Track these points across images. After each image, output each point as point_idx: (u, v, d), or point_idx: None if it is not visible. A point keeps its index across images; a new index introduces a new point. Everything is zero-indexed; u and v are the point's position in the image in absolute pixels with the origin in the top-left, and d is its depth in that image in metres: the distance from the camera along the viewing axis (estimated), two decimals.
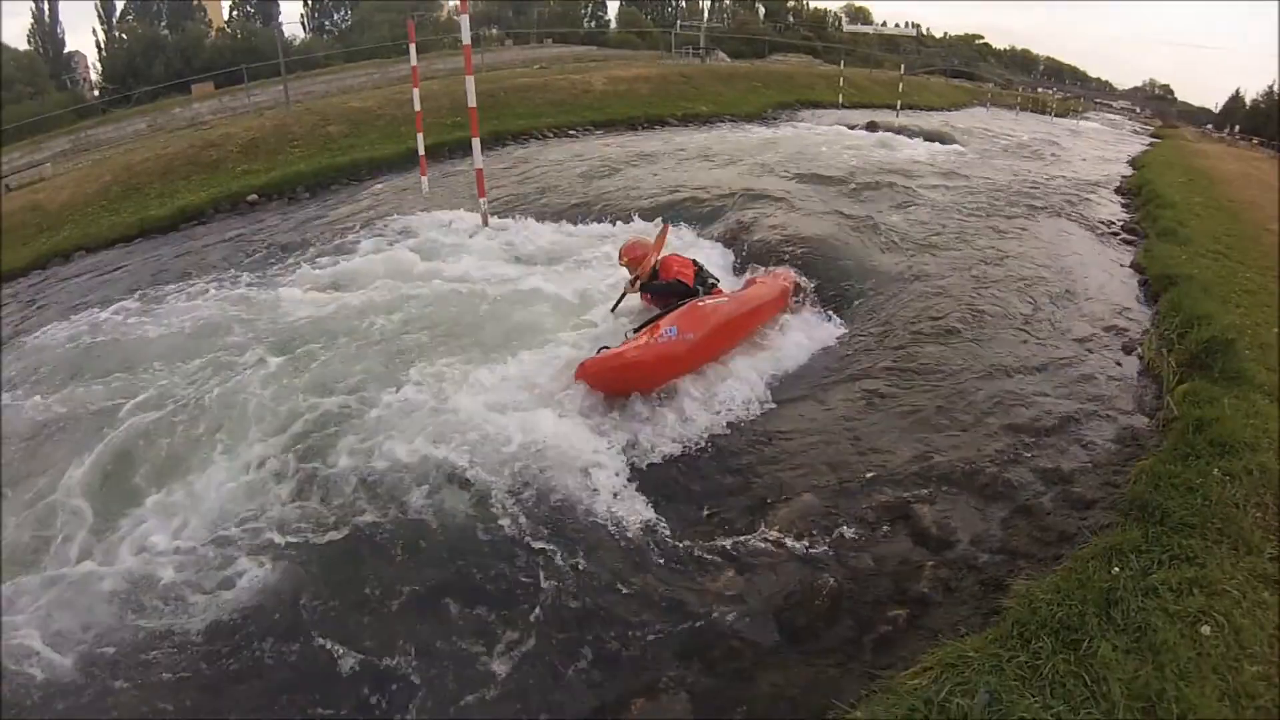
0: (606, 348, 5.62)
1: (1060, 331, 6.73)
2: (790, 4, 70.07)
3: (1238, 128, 54.62)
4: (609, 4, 62.41)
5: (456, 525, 3.98)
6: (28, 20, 47.59)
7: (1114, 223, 11.45)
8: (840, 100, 29.44)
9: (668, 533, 3.99)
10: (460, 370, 5.56)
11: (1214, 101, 77.04)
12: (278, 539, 3.93)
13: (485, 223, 9.54)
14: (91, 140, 23.62)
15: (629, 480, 4.45)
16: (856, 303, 7.25)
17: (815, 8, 71.38)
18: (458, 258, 8.36)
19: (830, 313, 7.03)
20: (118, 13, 47.37)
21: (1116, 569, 3.12)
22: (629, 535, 3.96)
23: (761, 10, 68.41)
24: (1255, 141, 44.69)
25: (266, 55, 32.07)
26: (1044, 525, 3.99)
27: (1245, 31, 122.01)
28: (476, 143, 9.37)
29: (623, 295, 6.65)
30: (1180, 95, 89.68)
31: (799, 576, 3.65)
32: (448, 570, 3.73)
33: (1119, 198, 14.12)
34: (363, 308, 6.85)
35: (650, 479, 4.51)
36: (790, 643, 3.31)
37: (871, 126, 22.86)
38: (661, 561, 3.79)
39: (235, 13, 52.35)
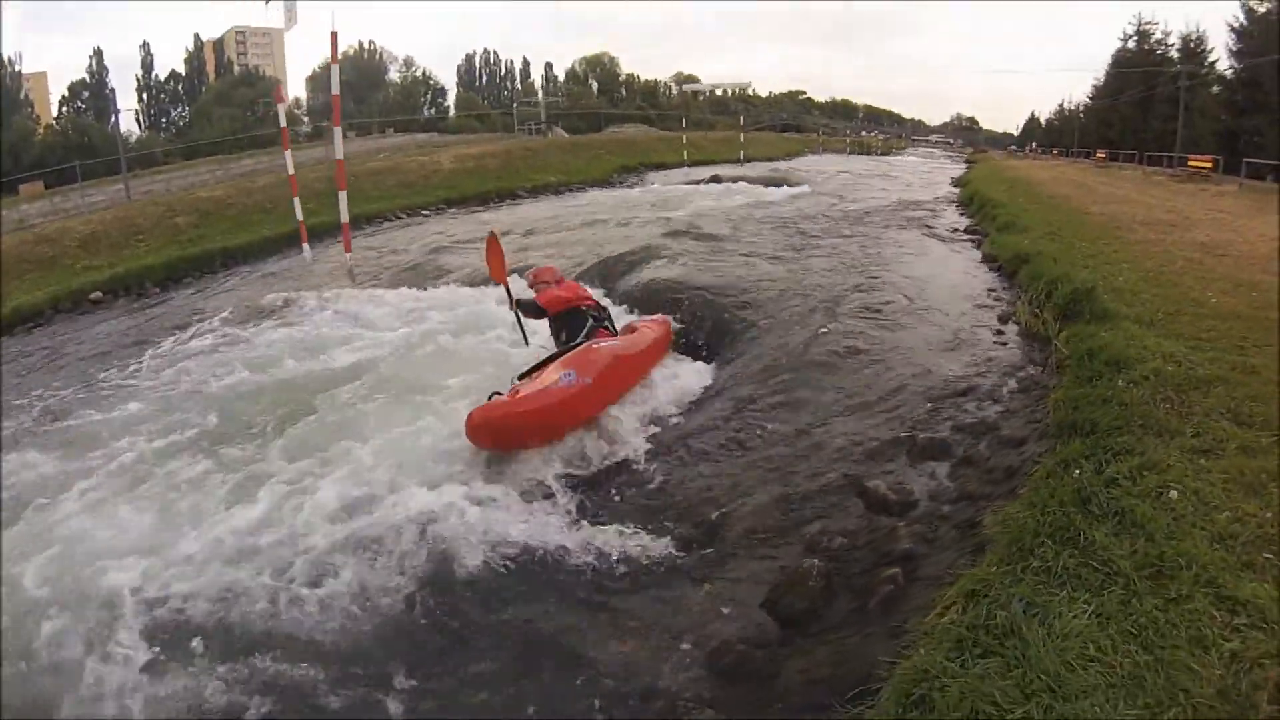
0: (499, 394, 5.05)
1: (942, 316, 7.08)
2: (622, 79, 73.01)
3: (1034, 144, 60.05)
4: (448, 91, 63.44)
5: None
6: None
7: (956, 228, 12.39)
8: (685, 159, 30.51)
9: (628, 563, 3.77)
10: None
11: (1014, 125, 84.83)
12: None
13: (351, 279, 9.40)
14: None
15: (571, 521, 4.17)
16: (748, 333, 7.18)
17: (646, 79, 74.67)
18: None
19: (714, 348, 7.03)
20: None
21: (1076, 472, 3.29)
22: (594, 571, 3.72)
23: (595, 86, 70.91)
24: (1055, 152, 49.21)
25: (101, 153, 30.49)
26: (989, 468, 4.10)
27: (1047, 56, 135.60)
28: (343, 196, 9.33)
29: (518, 317, 6.20)
30: (985, 124, 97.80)
31: (779, 569, 3.53)
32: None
33: (954, 208, 15.33)
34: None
35: (593, 514, 4.26)
36: (798, 630, 3.18)
37: (716, 179, 23.89)
38: (634, 590, 3.58)
39: (65, 109, 50.27)
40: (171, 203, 17.99)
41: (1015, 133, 78.78)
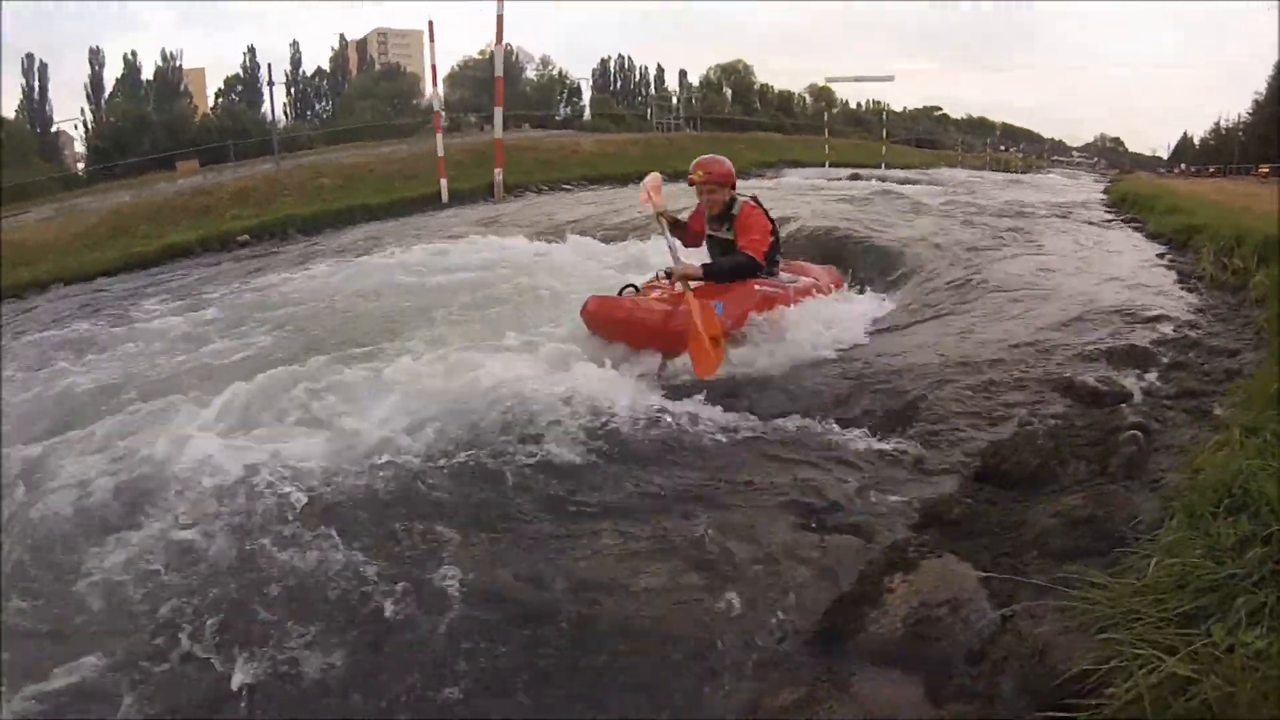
0: (633, 288, 5.08)
1: (1115, 268, 6.75)
2: (756, 88, 72.95)
3: (1184, 165, 56.93)
4: (583, 91, 64.68)
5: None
6: (19, 96, 49.07)
7: (1112, 220, 11.81)
8: (826, 162, 30.24)
9: (811, 440, 3.54)
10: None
11: (1165, 145, 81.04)
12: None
13: (498, 194, 9.89)
14: (75, 208, 23.26)
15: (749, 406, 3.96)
16: (920, 274, 6.91)
17: (781, 90, 74.41)
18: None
19: (886, 286, 6.79)
20: (106, 93, 49.70)
21: None
22: (775, 443, 3.52)
23: (729, 94, 71.06)
24: (1211, 171, 46.51)
25: (253, 136, 32.67)
26: (1206, 370, 3.88)
27: (1174, 86, 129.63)
28: (499, 112, 9.94)
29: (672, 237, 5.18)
30: (1132, 147, 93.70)
31: (995, 441, 3.27)
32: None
33: (1108, 210, 14.67)
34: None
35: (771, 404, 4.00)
36: (1031, 489, 2.94)
37: (856, 176, 23.55)
38: (823, 464, 3.32)
39: (220, 99, 54.30)
40: (318, 166, 19.25)
41: (1165, 155, 75.32)
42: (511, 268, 7.51)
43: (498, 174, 10.56)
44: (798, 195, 13.15)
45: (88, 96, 49.76)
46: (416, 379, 4.22)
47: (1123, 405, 3.47)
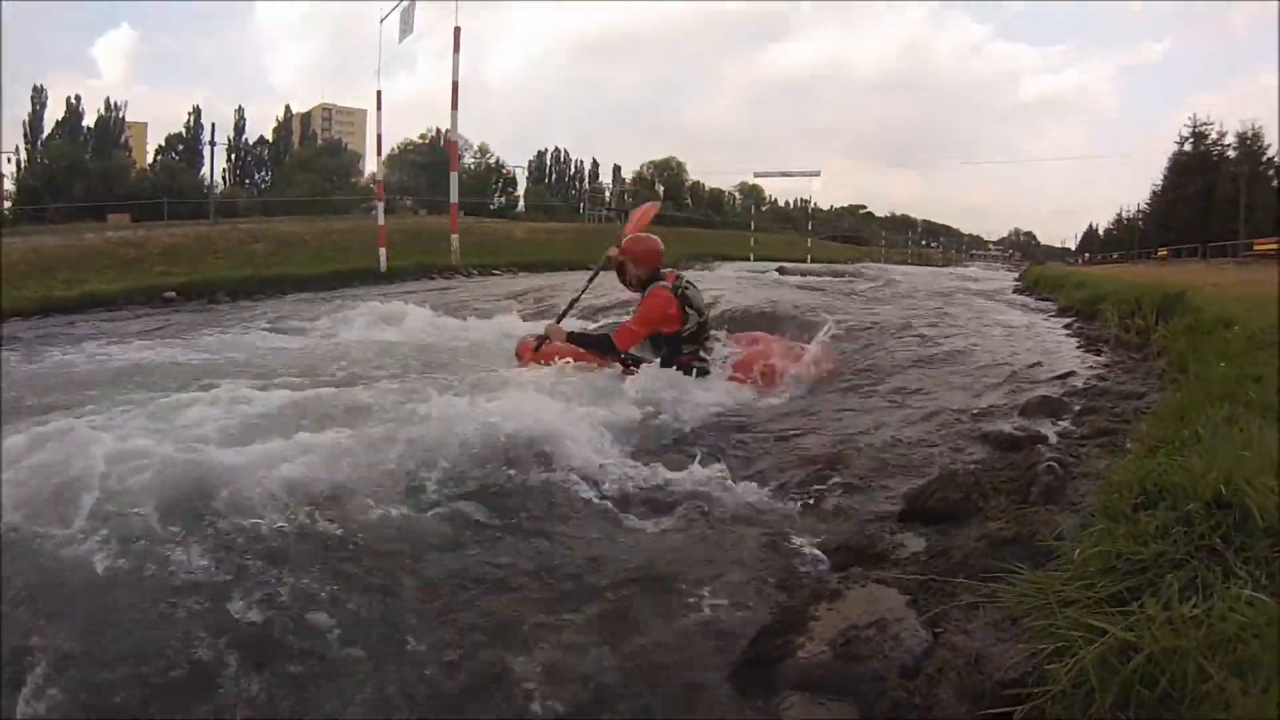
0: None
1: (1029, 335, 7.05)
2: (688, 184, 75.23)
3: (1088, 255, 60.37)
4: (518, 181, 65.84)
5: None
6: None
7: (1026, 303, 12.34)
8: (750, 256, 31.08)
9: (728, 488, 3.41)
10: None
11: (1074, 235, 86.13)
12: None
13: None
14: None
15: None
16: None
17: (712, 188, 76.93)
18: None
19: None
20: (45, 133, 48.78)
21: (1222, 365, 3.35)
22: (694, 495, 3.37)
23: (661, 190, 73.03)
24: (1115, 257, 49.19)
25: (187, 195, 32.33)
26: (1116, 412, 4.00)
27: (1083, 183, 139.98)
28: (454, 177, 10.03)
29: (595, 274, 5.91)
30: (1044, 239, 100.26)
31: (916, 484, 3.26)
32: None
33: (1021, 293, 15.35)
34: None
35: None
36: (954, 523, 2.93)
37: (781, 270, 24.14)
38: (742, 512, 3.24)
39: (160, 156, 53.60)
40: (252, 231, 19.05)
41: (1073, 245, 79.81)
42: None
43: (454, 239, 10.68)
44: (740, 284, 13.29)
45: (25, 134, 49.03)
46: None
47: (1039, 446, 3.50)
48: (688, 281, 5.25)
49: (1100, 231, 71.69)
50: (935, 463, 3.54)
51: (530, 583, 2.69)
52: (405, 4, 13.81)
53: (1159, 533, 1.82)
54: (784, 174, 36.24)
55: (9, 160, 47.30)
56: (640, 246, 5.22)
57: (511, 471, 3.42)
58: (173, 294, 13.19)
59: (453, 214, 12.69)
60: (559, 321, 5.33)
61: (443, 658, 2.28)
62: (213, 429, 3.72)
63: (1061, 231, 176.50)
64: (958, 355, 6.03)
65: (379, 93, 17.02)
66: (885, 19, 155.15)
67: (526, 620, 2.47)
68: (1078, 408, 4.19)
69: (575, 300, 5.89)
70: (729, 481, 3.47)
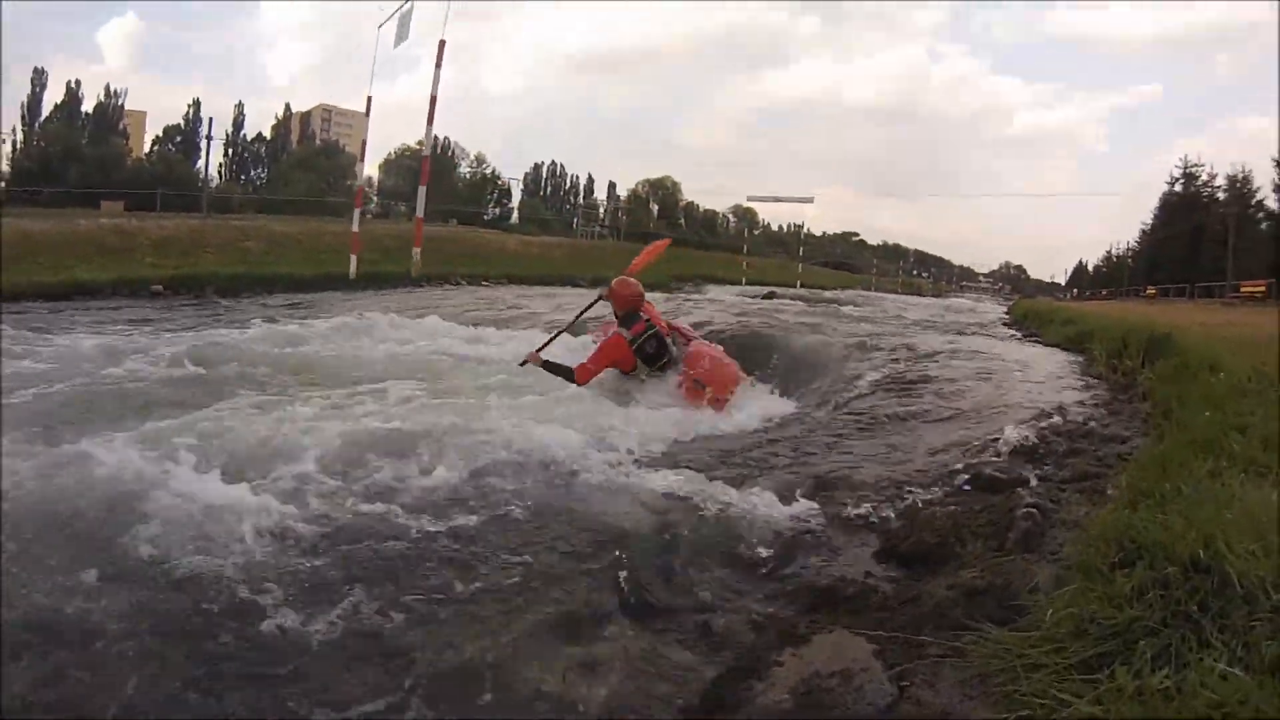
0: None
1: (1014, 370, 6.83)
2: (682, 204, 75.43)
3: (1075, 290, 60.68)
4: (513, 193, 65.70)
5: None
6: None
7: (1014, 335, 12.26)
8: (743, 280, 31.01)
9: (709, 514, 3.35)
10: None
11: (1063, 270, 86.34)
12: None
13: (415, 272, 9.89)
14: None
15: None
16: (820, 377, 6.98)
17: (707, 209, 77.13)
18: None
19: (788, 386, 6.71)
20: (43, 116, 48.41)
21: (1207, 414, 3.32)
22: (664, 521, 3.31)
23: (656, 209, 73.18)
24: (1104, 293, 49.23)
25: (183, 187, 32.14)
26: (1099, 455, 3.92)
27: (1072, 219, 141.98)
28: (422, 191, 9.99)
29: (584, 310, 6.70)
30: (1034, 273, 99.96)
31: (894, 521, 3.23)
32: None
33: (1009, 326, 15.27)
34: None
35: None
36: (928, 568, 2.85)
37: (772, 294, 24.00)
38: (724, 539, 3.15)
39: (157, 147, 53.40)
40: (245, 228, 19.15)
41: (1063, 280, 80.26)
42: None
43: (416, 253, 10.76)
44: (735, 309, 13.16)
45: (23, 116, 48.51)
46: None
47: (1019, 489, 3.40)
48: (654, 332, 5.94)
49: (1090, 268, 72.33)
50: (912, 501, 3.42)
51: (484, 610, 2.58)
52: (403, 10, 13.71)
53: (1134, 595, 1.75)
54: (777, 199, 36.13)
55: (4, 142, 47.14)
56: (622, 290, 6.02)
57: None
58: (159, 287, 13.09)
59: (418, 228, 12.69)
60: (539, 351, 5.87)
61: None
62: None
63: (1052, 266, 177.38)
64: (938, 388, 5.94)
65: (369, 99, 17.20)
66: (881, 50, 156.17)
67: (473, 650, 2.36)
68: (1060, 449, 4.09)
69: (560, 333, 6.43)
70: (699, 509, 3.37)
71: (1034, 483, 3.54)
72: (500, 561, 2.87)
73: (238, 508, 2.95)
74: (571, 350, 6.43)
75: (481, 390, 5.54)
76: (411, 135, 60.53)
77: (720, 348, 6.54)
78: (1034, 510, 2.98)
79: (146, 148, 54.05)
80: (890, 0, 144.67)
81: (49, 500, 2.94)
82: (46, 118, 48.93)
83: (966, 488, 3.56)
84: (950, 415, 5.07)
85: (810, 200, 36.72)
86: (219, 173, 56.02)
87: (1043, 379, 6.38)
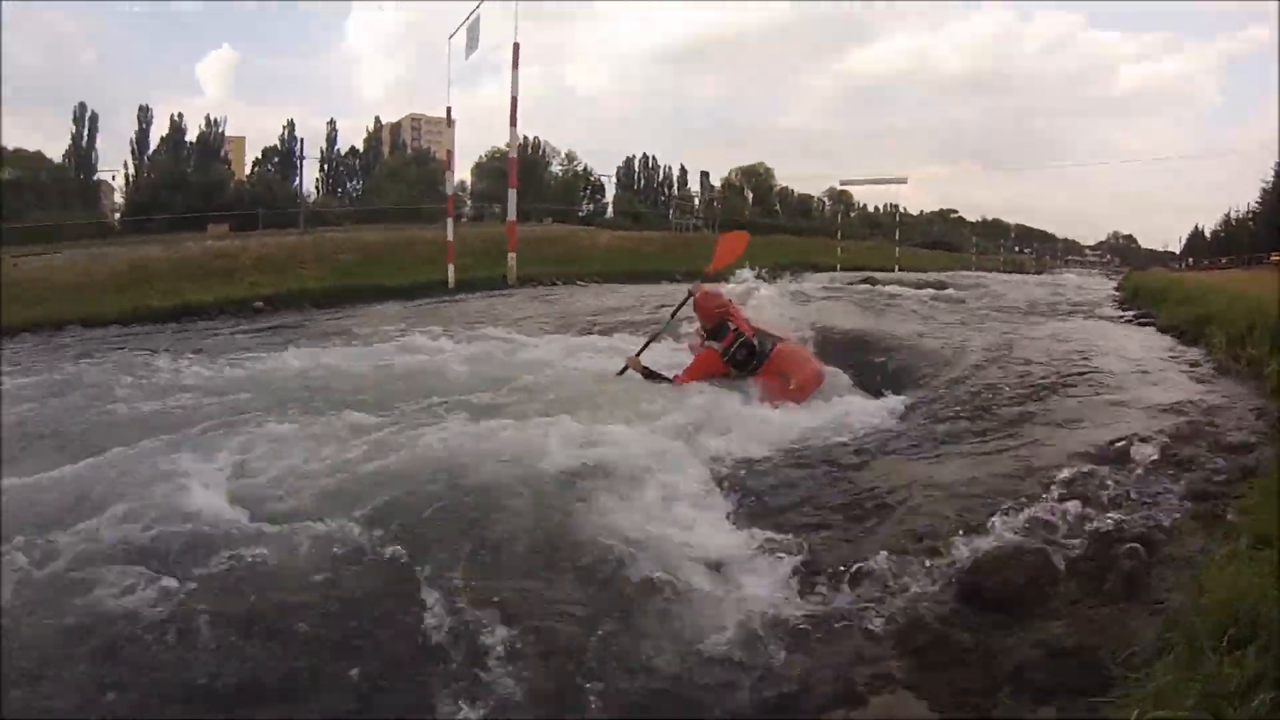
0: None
1: (1121, 363, 6.22)
2: (776, 190, 74.21)
3: (1192, 260, 56.96)
4: (606, 188, 65.90)
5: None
6: (67, 142, 50.45)
7: (1122, 317, 11.32)
8: (838, 265, 30.12)
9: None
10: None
11: (1177, 239, 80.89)
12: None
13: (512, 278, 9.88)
14: (103, 256, 23.33)
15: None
16: (927, 377, 6.46)
17: (801, 193, 75.68)
18: None
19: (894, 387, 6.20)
20: (150, 149, 51.46)
21: None
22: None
23: (750, 196, 72.28)
24: (1224, 261, 46.02)
25: (283, 205, 33.65)
26: (1214, 469, 3.48)
27: (1187, 181, 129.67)
28: (512, 194, 10.05)
29: (676, 310, 6.55)
30: (1145, 243, 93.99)
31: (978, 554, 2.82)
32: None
33: (1119, 306, 14.19)
34: None
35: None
36: (1012, 614, 2.51)
37: (870, 280, 22.98)
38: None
39: (257, 168, 56.14)
40: (338, 241, 19.93)
41: (1177, 249, 75.55)
42: None
43: (511, 258, 10.87)
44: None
45: (132, 151, 51.54)
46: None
47: (1124, 515, 2.99)
48: (744, 340, 5.77)
49: (1207, 233, 67.83)
50: (1004, 524, 3.04)
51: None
52: (471, 20, 13.76)
53: (1243, 689, 1.41)
54: (870, 181, 34.88)
55: (113, 177, 51.62)
56: (706, 304, 6.00)
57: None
58: (261, 304, 13.67)
59: (510, 233, 12.53)
60: (638, 355, 5.96)
61: None
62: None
63: (1165, 235, 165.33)
64: (1034, 389, 5.42)
65: (449, 109, 17.39)
66: (969, 16, 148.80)
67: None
68: (1174, 459, 3.62)
69: (655, 336, 6.42)
70: (753, 531, 3.14)
71: (1140, 500, 3.15)
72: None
73: None
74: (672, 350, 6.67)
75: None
76: (501, 138, 61.58)
77: (806, 347, 6.51)
78: (1138, 548, 2.59)
79: (247, 170, 56.66)
80: None
81: None
82: (154, 150, 51.79)
83: (1064, 506, 3.13)
84: (1047, 422, 4.56)
85: (904, 181, 35.37)
86: (316, 188, 58.56)
87: (1152, 373, 5.78)
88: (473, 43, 13.90)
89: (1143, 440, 3.85)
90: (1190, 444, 3.81)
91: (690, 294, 6.25)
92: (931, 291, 16.36)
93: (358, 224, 37.05)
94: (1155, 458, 3.63)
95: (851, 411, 5.24)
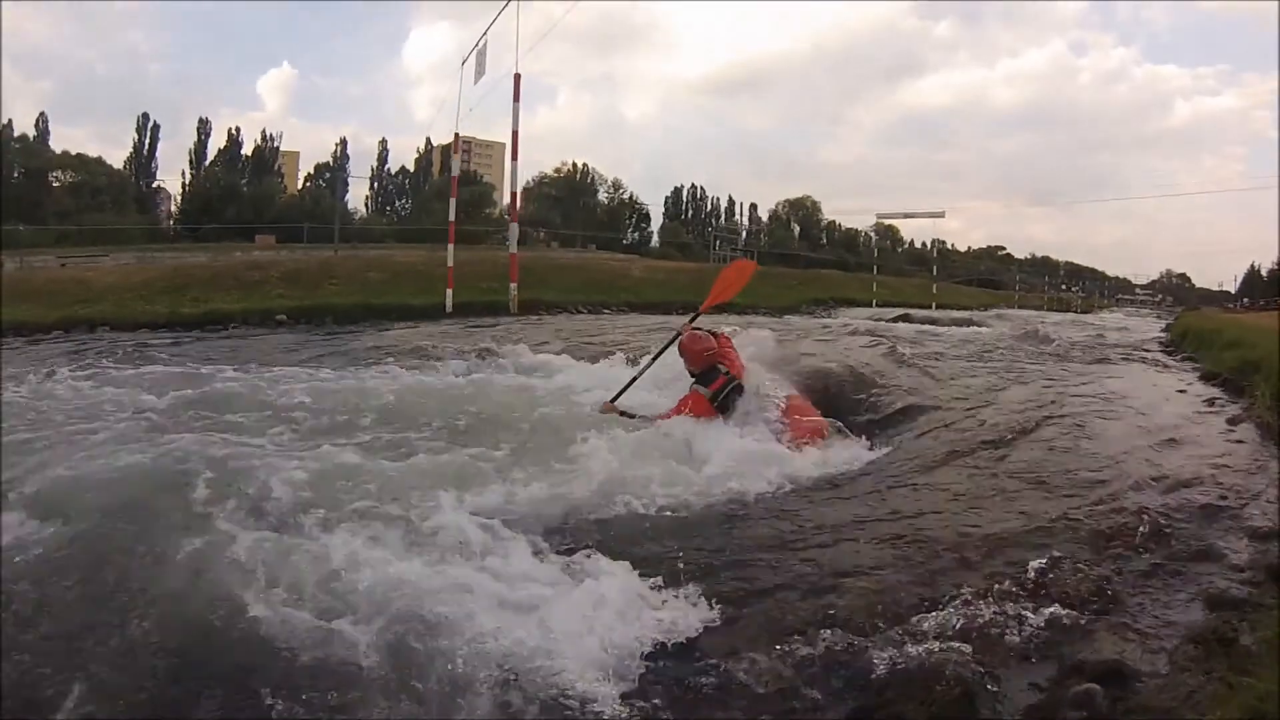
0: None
1: (1153, 420, 5.51)
2: (823, 224, 73.61)
3: (1246, 300, 54.82)
4: (652, 217, 65.92)
5: None
6: (129, 150, 53.04)
7: (1167, 362, 10.48)
8: (874, 301, 29.35)
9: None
10: None
11: (1232, 277, 78.37)
12: None
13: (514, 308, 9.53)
14: (151, 260, 23.85)
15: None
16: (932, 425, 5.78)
17: (847, 227, 74.92)
18: None
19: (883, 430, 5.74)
20: (208, 159, 53.71)
21: None
22: None
23: (797, 229, 71.79)
24: None
25: (330, 221, 34.35)
26: (1238, 567, 2.80)
27: (1244, 217, 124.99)
28: (514, 228, 9.74)
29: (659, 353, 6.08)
30: (1199, 281, 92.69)
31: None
32: None
33: (1164, 349, 13.20)
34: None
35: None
36: None
37: (905, 318, 22.22)
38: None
39: (309, 183, 58.04)
40: (370, 259, 20.35)
41: (1233, 288, 73.15)
42: None
43: (513, 288, 10.61)
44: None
45: (190, 161, 53.67)
46: None
47: (1102, 625, 2.39)
48: (736, 384, 5.41)
49: (1263, 272, 65.60)
50: (933, 632, 2.42)
51: None
52: (480, 47, 13.73)
53: None
54: (907, 215, 34.13)
55: (162, 187, 54.16)
56: (693, 346, 5.55)
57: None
58: (284, 316, 14.04)
59: (513, 265, 12.24)
60: (614, 400, 5.64)
61: None
62: None
63: (1220, 273, 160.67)
64: (1054, 447, 4.73)
65: (456, 135, 17.21)
66: (1022, 50, 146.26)
67: None
68: (1182, 547, 2.96)
69: (634, 380, 5.91)
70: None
71: (1126, 614, 2.49)
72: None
73: None
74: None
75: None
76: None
77: (803, 397, 5.79)
78: (1094, 691, 1.94)
79: (300, 184, 57.97)
80: None
81: None
82: (211, 162, 53.67)
83: (1017, 621, 2.46)
84: (1035, 486, 3.94)
85: (941, 215, 34.29)
86: (366, 205, 60.16)
87: (1180, 430, 5.05)
88: (480, 69, 14.00)
89: (1146, 519, 3.18)
90: (1209, 526, 3.16)
91: (677, 335, 5.84)
92: (959, 330, 15.69)
93: (402, 242, 37.42)
94: (1157, 546, 2.97)
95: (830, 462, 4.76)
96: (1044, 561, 2.82)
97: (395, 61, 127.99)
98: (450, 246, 15.09)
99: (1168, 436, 4.83)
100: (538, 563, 2.97)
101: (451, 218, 15.81)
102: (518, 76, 12.16)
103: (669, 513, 3.69)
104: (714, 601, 2.68)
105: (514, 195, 13.15)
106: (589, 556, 2.98)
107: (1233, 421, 5.27)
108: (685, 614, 2.61)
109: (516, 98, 12.16)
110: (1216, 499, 3.49)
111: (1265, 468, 4.01)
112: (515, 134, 11.98)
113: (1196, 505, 3.39)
